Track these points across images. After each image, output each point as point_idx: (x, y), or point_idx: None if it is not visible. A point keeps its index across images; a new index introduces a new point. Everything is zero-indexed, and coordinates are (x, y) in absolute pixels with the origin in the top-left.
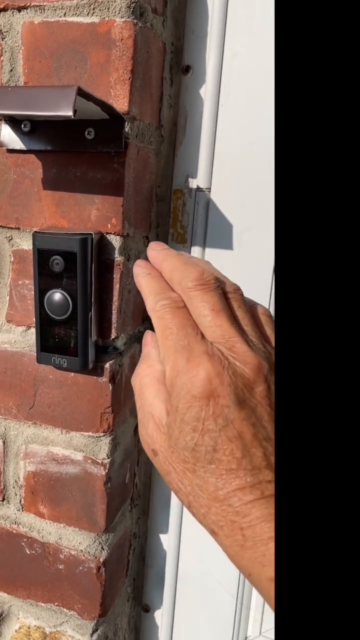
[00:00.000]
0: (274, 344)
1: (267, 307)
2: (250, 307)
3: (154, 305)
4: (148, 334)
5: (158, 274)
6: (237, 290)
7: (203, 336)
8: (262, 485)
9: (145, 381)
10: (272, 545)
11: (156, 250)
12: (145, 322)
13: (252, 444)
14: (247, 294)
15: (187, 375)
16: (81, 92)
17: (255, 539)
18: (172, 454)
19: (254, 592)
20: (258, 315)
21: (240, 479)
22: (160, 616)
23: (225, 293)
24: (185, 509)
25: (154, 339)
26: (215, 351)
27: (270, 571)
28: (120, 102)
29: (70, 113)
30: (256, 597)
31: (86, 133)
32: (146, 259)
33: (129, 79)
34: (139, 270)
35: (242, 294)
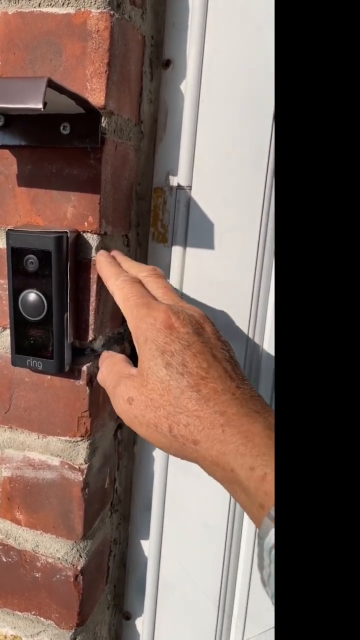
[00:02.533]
0: None
1: (249, 304)
2: None
3: (114, 282)
4: (103, 352)
5: (116, 262)
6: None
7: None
8: (231, 389)
9: (110, 364)
10: (253, 437)
11: (109, 255)
12: (125, 323)
13: (214, 360)
14: (229, 293)
15: (150, 317)
16: (52, 84)
17: (234, 432)
18: (145, 387)
19: (237, 599)
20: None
21: (211, 383)
22: (141, 624)
23: None
24: (166, 514)
25: (108, 352)
26: (171, 304)
27: (251, 460)
28: (96, 96)
29: (39, 106)
30: (239, 605)
31: (62, 128)
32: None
33: (106, 72)
34: (101, 258)
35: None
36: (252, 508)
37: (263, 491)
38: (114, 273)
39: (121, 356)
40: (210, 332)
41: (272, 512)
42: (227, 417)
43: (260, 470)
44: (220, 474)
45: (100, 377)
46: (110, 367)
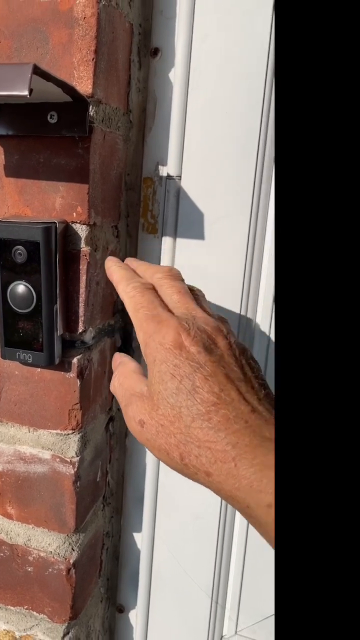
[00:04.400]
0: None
1: (240, 294)
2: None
3: (125, 288)
4: (116, 354)
5: (126, 266)
6: (200, 290)
7: (170, 311)
8: (244, 415)
9: (122, 377)
10: (267, 471)
11: (119, 260)
12: (117, 315)
13: (226, 381)
14: (219, 284)
15: (159, 334)
16: (38, 71)
17: (247, 465)
18: (157, 411)
19: (230, 590)
20: (218, 315)
21: (223, 410)
22: (135, 616)
23: (191, 290)
24: (158, 506)
25: (121, 354)
26: (182, 317)
27: (267, 497)
28: (84, 84)
29: (25, 92)
30: (232, 596)
31: (49, 117)
32: (114, 251)
33: (93, 59)
34: (110, 263)
35: (204, 295)
36: (271, 542)
37: None
38: (125, 277)
39: (132, 366)
40: (223, 347)
41: None
42: (239, 449)
43: None
44: (237, 507)
45: (112, 388)
46: (122, 380)
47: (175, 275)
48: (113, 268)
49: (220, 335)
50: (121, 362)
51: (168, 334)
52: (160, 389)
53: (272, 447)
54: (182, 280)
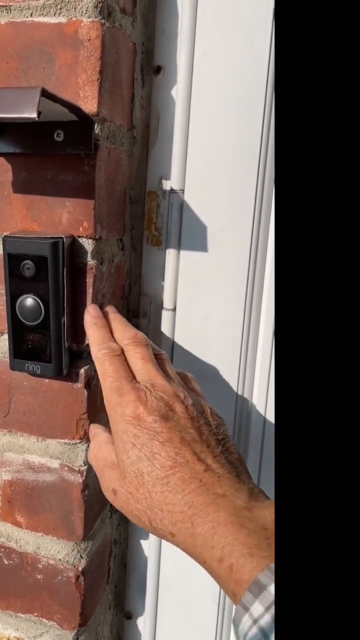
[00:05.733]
0: (193, 390)
1: (243, 305)
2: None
3: (96, 353)
4: (91, 425)
5: (103, 323)
6: (164, 353)
7: (133, 378)
8: (199, 474)
9: (97, 448)
10: (218, 528)
11: (98, 314)
12: None
13: (182, 444)
14: (222, 294)
15: (121, 407)
16: (46, 94)
17: (201, 522)
18: (124, 480)
19: None
20: (184, 374)
21: (179, 472)
22: (142, 623)
23: (156, 356)
24: None
25: (95, 425)
26: (141, 387)
27: (217, 552)
28: (89, 104)
29: (34, 115)
30: None
31: (55, 135)
32: (120, 263)
33: (98, 79)
34: (88, 318)
35: (167, 357)
36: (229, 595)
37: (233, 580)
38: (97, 341)
39: (104, 437)
40: (180, 411)
41: (244, 601)
42: (194, 508)
43: (227, 561)
44: (199, 563)
45: (89, 460)
46: (96, 451)
47: (140, 341)
48: (88, 326)
49: (177, 402)
50: (95, 434)
51: (127, 407)
52: (124, 457)
53: (223, 503)
54: (147, 345)
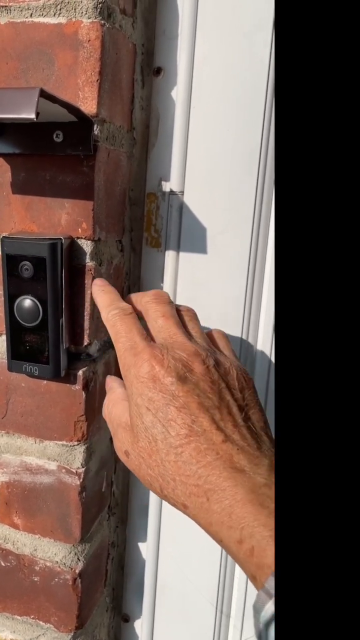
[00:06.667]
0: (221, 350)
1: (242, 307)
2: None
3: (106, 315)
4: (107, 378)
5: (111, 289)
6: (190, 309)
7: (147, 336)
8: (216, 446)
9: (111, 405)
10: (236, 506)
11: (105, 282)
12: None
13: (199, 411)
14: (221, 296)
15: (135, 367)
16: (44, 94)
17: (217, 499)
18: (137, 444)
19: (234, 599)
20: (211, 332)
21: (194, 442)
22: (140, 626)
23: (178, 311)
24: (163, 516)
25: (112, 378)
26: (157, 345)
27: (236, 533)
28: (88, 105)
29: (32, 115)
30: (236, 605)
31: (54, 136)
32: (119, 265)
33: (97, 80)
34: (95, 287)
35: (194, 313)
36: (248, 576)
37: (254, 564)
38: (106, 304)
39: (120, 392)
40: (200, 373)
41: (268, 586)
42: (210, 483)
43: (247, 543)
44: (213, 539)
45: (103, 415)
46: (111, 407)
47: (162, 299)
48: (96, 293)
49: (196, 361)
50: (110, 388)
51: (142, 366)
52: (138, 422)
53: (241, 479)
54: (169, 302)
